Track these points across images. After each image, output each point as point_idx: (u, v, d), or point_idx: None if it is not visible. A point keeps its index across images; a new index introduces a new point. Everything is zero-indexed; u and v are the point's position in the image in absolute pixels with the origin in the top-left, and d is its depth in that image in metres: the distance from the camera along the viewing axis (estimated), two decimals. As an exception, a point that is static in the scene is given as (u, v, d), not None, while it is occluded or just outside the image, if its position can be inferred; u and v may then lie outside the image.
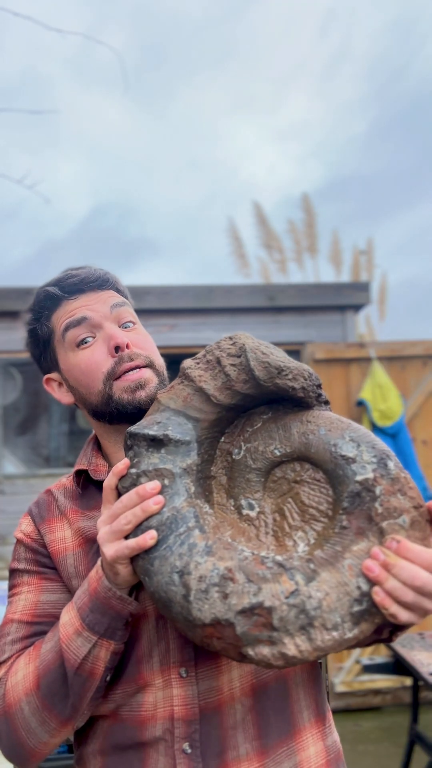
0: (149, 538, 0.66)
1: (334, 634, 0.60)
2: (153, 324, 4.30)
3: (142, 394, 0.83)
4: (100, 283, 0.89)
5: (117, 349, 0.84)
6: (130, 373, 0.84)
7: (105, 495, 0.75)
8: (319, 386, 0.75)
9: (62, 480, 0.96)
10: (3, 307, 4.23)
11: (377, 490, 0.65)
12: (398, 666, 2.46)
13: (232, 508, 0.73)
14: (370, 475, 0.66)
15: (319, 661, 0.88)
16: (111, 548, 0.69)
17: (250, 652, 0.61)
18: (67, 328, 0.87)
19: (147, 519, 0.68)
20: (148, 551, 0.67)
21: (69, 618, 0.76)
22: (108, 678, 0.76)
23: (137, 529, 0.68)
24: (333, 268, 10.24)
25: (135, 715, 0.77)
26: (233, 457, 0.75)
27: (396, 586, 0.60)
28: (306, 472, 0.72)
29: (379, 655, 3.34)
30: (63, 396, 0.93)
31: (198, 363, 0.75)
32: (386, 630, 0.72)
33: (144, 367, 0.85)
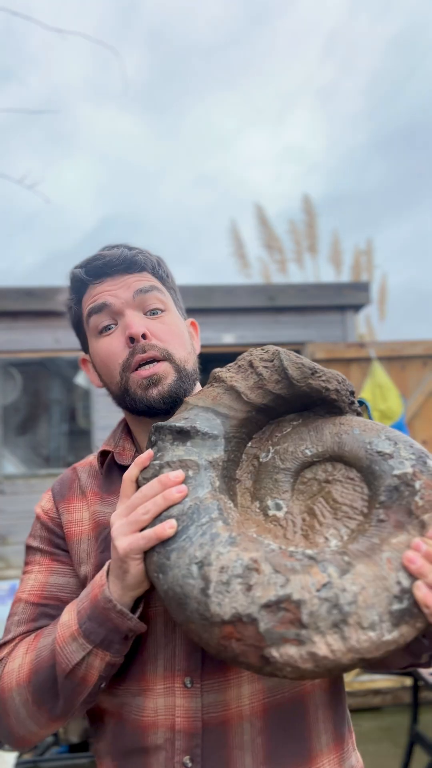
0: (168, 527, 0.62)
1: (371, 634, 0.54)
2: (153, 324, 4.30)
3: (154, 392, 0.79)
4: (126, 266, 0.84)
5: (132, 339, 0.80)
6: (145, 367, 0.80)
7: (124, 487, 0.71)
8: (352, 393, 0.74)
9: (89, 458, 0.92)
10: (3, 307, 4.24)
11: (417, 485, 0.62)
12: (398, 666, 2.46)
13: (258, 510, 0.69)
14: (409, 470, 0.63)
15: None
16: (125, 541, 0.65)
17: (275, 653, 0.55)
18: (89, 315, 0.84)
19: (167, 509, 0.64)
20: (164, 544, 0.62)
21: (68, 619, 0.73)
22: (103, 685, 0.73)
23: (155, 520, 0.64)
24: (333, 269, 10.25)
25: (137, 719, 0.74)
26: (260, 460, 0.73)
27: None
28: (339, 471, 0.69)
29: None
30: (95, 378, 0.90)
31: (229, 369, 0.74)
32: (425, 654, 0.64)
33: (160, 360, 0.80)
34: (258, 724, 0.71)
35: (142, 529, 0.65)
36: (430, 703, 3.36)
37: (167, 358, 0.81)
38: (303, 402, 0.73)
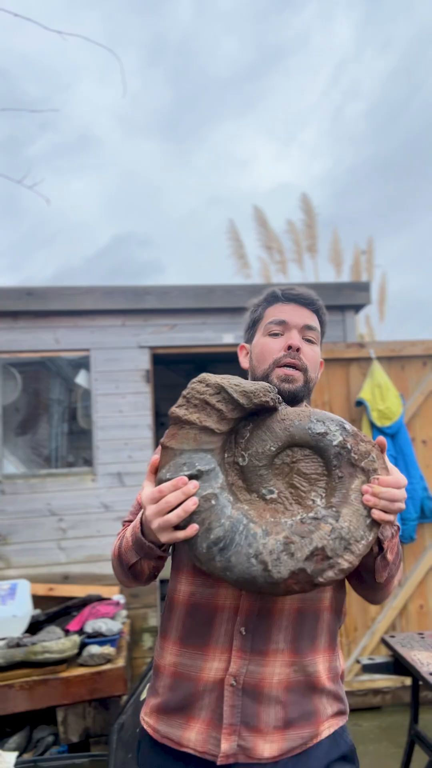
0: (193, 530, 0.92)
1: (362, 541, 0.90)
2: (153, 324, 4.29)
3: (286, 386, 1.15)
4: (308, 303, 1.23)
5: (290, 347, 1.17)
6: (288, 369, 1.16)
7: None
8: (278, 392, 1.03)
9: None
10: (3, 307, 4.23)
11: (348, 445, 0.95)
12: (398, 666, 2.46)
13: (257, 499, 0.97)
14: (341, 438, 0.96)
15: (341, 606, 1.18)
16: (164, 536, 0.94)
17: (320, 579, 0.89)
18: (271, 321, 1.21)
19: (209, 533, 0.91)
20: (222, 552, 0.90)
21: (132, 527, 1.09)
22: (157, 573, 1.12)
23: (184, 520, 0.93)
24: (333, 268, 10.24)
25: (209, 602, 1.08)
26: (240, 464, 0.99)
27: (384, 504, 0.92)
28: (297, 453, 0.98)
29: (378, 654, 3.34)
30: (244, 361, 1.30)
31: (187, 409, 0.95)
32: (381, 573, 1.05)
33: (299, 370, 1.17)
34: (291, 618, 1.07)
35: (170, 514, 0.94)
36: (430, 703, 3.36)
37: (303, 370, 1.18)
38: (250, 412, 0.98)
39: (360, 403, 3.80)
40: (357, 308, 4.57)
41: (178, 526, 0.92)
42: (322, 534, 0.89)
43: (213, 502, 0.91)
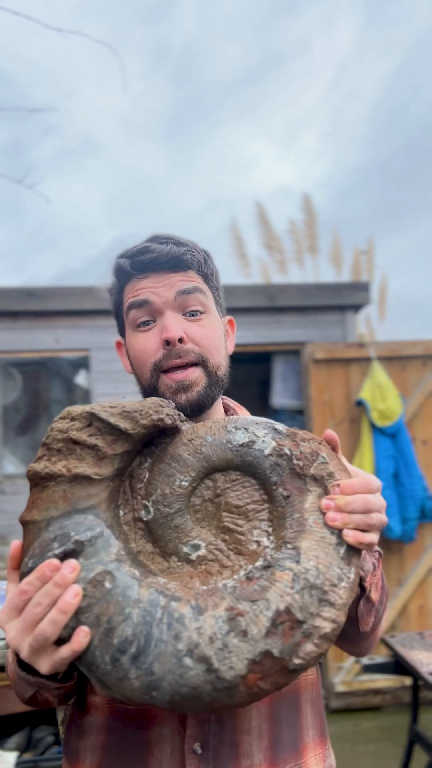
0: (82, 636, 0.58)
1: (343, 584, 0.61)
2: (153, 324, 4.30)
3: (182, 398, 0.79)
4: (173, 264, 0.82)
5: (168, 342, 0.79)
6: (177, 372, 0.80)
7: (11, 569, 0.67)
8: (176, 407, 0.74)
9: None
10: (3, 307, 4.24)
11: (286, 450, 0.67)
12: (398, 666, 2.46)
13: (179, 563, 0.67)
14: (274, 444, 0.68)
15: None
16: (44, 665, 0.60)
17: (297, 660, 0.58)
18: (129, 308, 0.84)
19: (110, 636, 0.58)
20: (136, 664, 0.57)
21: (9, 652, 0.75)
22: (71, 700, 0.75)
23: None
24: (333, 268, 10.24)
25: (141, 710, 0.71)
26: (144, 519, 0.69)
27: (359, 518, 0.63)
28: (219, 481, 0.70)
29: (378, 654, 3.34)
30: (126, 363, 0.92)
31: (48, 459, 0.66)
32: (366, 620, 0.76)
33: (193, 365, 0.80)
34: (264, 710, 0.73)
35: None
36: (430, 703, 3.36)
37: (201, 363, 0.81)
38: (142, 444, 0.71)
39: (360, 403, 3.80)
40: (357, 308, 4.57)
41: (61, 639, 0.59)
42: (281, 588, 0.59)
43: (107, 585, 0.60)
